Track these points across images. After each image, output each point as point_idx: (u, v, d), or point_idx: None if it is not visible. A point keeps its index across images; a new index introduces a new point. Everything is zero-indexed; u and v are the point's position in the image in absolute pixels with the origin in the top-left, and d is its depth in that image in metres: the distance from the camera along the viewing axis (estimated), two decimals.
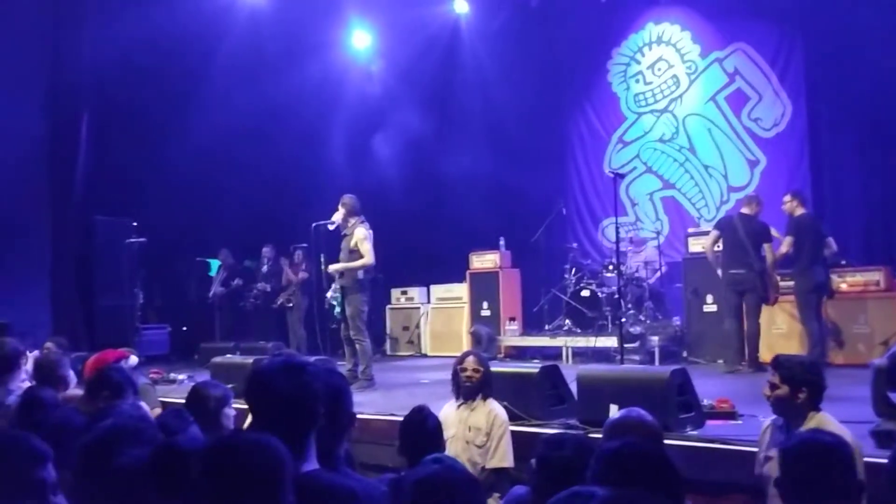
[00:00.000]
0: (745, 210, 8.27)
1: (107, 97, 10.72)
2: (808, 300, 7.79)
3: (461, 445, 4.57)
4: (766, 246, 7.95)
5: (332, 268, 7.87)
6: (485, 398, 4.72)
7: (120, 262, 10.48)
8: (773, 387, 3.54)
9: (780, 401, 3.52)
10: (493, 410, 4.68)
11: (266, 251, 11.38)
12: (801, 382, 3.52)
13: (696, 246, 9.71)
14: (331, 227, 7.99)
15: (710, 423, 5.16)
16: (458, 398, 4.76)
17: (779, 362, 3.64)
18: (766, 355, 8.61)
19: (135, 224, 10.66)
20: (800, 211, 7.93)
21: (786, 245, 7.89)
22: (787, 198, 8.02)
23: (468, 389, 4.69)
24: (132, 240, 10.36)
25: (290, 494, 1.81)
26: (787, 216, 7.93)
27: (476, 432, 4.60)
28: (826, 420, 3.53)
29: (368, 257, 7.72)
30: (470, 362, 4.76)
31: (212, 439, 2.19)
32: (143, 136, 10.92)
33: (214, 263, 12.16)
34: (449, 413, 4.72)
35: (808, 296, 7.79)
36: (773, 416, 3.76)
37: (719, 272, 8.12)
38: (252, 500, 1.75)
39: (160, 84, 10.72)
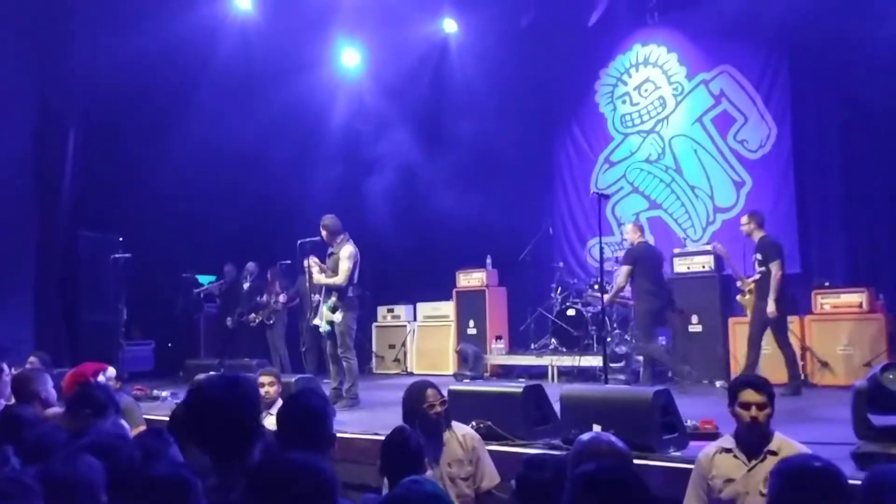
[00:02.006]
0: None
1: (94, 114, 10.70)
2: (643, 322, 8.63)
3: (443, 485, 4.15)
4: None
5: (316, 279, 7.84)
6: (449, 426, 4.36)
7: (105, 277, 10.42)
8: (763, 406, 3.57)
9: (768, 418, 3.59)
10: (464, 434, 4.38)
11: (250, 267, 11.37)
12: (772, 398, 3.64)
13: (682, 266, 9.78)
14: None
15: (693, 443, 5.16)
16: (429, 440, 4.16)
17: (764, 382, 3.71)
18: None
19: (120, 239, 10.62)
20: (639, 240, 8.84)
21: (623, 275, 8.66)
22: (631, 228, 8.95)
23: (437, 425, 4.25)
24: (117, 255, 10.31)
25: None
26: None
27: (458, 466, 4.25)
28: (786, 439, 3.63)
29: (341, 277, 7.69)
30: (432, 395, 4.29)
31: (261, 460, 2.18)
32: (130, 152, 10.90)
33: (205, 280, 12.13)
34: None
35: (643, 317, 8.63)
36: (721, 439, 3.82)
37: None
38: None
39: (148, 101, 10.71)
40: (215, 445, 2.15)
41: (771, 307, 7.80)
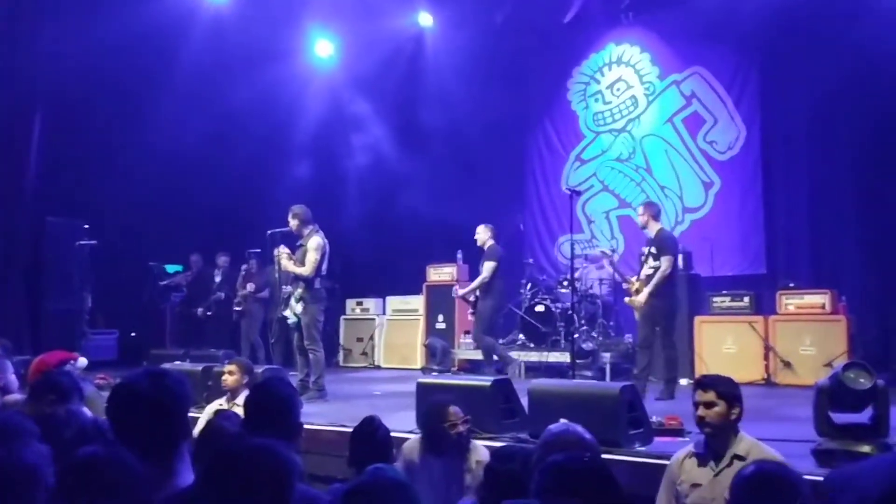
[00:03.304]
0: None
1: (62, 97, 10.51)
2: (487, 317, 8.94)
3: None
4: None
5: (284, 265, 7.78)
6: (470, 447, 4.11)
7: (70, 264, 10.26)
8: (710, 405, 3.56)
9: (718, 417, 3.55)
10: (478, 461, 3.99)
11: (221, 260, 11.25)
12: (734, 399, 3.60)
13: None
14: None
15: (658, 439, 5.22)
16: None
17: (712, 380, 3.69)
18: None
19: (86, 226, 10.46)
20: (492, 242, 9.08)
21: (488, 271, 8.84)
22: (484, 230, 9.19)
23: (459, 444, 4.05)
24: (83, 242, 10.15)
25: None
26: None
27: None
28: (755, 441, 3.60)
29: (308, 268, 7.65)
30: (454, 414, 4.08)
31: (216, 448, 2.12)
32: (98, 137, 10.74)
33: (171, 269, 11.99)
34: (415, 455, 4.17)
35: (488, 312, 8.92)
36: (690, 446, 3.78)
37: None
38: None
39: (117, 87, 10.55)
40: (137, 442, 2.05)
41: (642, 297, 7.43)
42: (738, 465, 3.37)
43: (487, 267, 8.87)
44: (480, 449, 4.20)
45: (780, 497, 2.27)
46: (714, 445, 3.58)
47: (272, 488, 1.68)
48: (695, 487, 3.58)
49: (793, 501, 2.24)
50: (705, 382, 3.66)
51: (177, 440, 2.10)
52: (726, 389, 3.60)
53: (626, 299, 7.92)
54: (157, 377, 2.13)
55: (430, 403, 4.27)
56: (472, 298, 9.20)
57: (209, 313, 11.03)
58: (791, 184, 10.27)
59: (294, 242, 8.01)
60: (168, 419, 2.08)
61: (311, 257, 7.66)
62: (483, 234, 9.13)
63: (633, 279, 7.77)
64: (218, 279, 11.22)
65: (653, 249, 7.58)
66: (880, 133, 9.19)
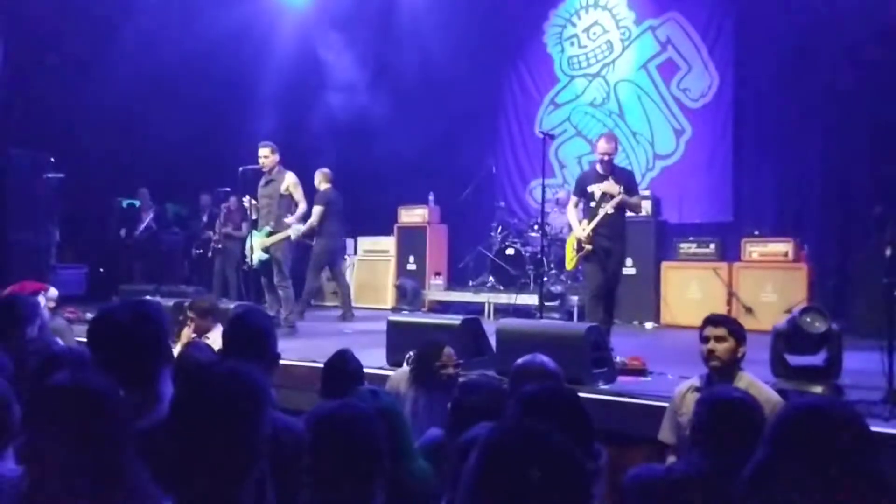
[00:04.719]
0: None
1: (25, 26, 10.22)
2: (319, 261, 9.43)
3: None
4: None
5: (299, 228, 7.97)
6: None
7: (36, 197, 10.12)
8: (721, 339, 3.70)
9: (727, 352, 3.69)
10: None
11: (204, 199, 11.23)
12: (742, 339, 3.76)
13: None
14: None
15: (621, 378, 5.40)
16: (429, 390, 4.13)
17: (724, 318, 3.90)
18: (681, 319, 9.01)
19: (52, 160, 10.28)
20: (326, 186, 9.40)
21: (316, 215, 9.02)
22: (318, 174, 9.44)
23: (447, 386, 4.06)
24: (50, 175, 10.00)
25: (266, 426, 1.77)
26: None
27: None
28: (754, 379, 3.75)
29: (304, 205, 7.83)
30: (447, 356, 4.17)
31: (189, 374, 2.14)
32: (65, 68, 10.51)
33: (134, 203, 11.88)
34: (402, 388, 4.22)
35: (319, 257, 9.39)
36: (693, 378, 3.93)
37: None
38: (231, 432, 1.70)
39: (83, 15, 10.29)
40: (119, 370, 2.07)
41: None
42: None
43: (315, 211, 9.06)
44: None
45: (736, 422, 2.40)
46: (716, 380, 3.72)
47: (245, 409, 1.70)
48: None
49: (747, 428, 2.37)
50: (717, 320, 3.84)
51: (159, 366, 2.13)
52: (736, 328, 3.79)
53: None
54: (136, 305, 2.16)
55: (425, 341, 4.36)
56: (311, 242, 9.50)
57: (199, 251, 11.12)
58: (760, 133, 10.37)
59: (259, 178, 8.06)
60: (149, 345, 2.11)
61: (300, 192, 7.94)
62: (317, 178, 9.48)
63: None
64: (205, 219, 11.26)
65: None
66: (849, 86, 9.27)
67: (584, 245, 6.62)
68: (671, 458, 3.76)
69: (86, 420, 1.76)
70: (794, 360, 4.61)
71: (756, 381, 3.74)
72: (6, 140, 10.42)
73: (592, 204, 6.72)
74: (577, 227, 6.77)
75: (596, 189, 6.69)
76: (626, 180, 6.79)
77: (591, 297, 6.67)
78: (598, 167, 6.85)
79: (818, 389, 4.32)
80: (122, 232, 11.42)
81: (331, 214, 9.30)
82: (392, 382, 4.37)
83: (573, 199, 7.06)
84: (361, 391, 2.04)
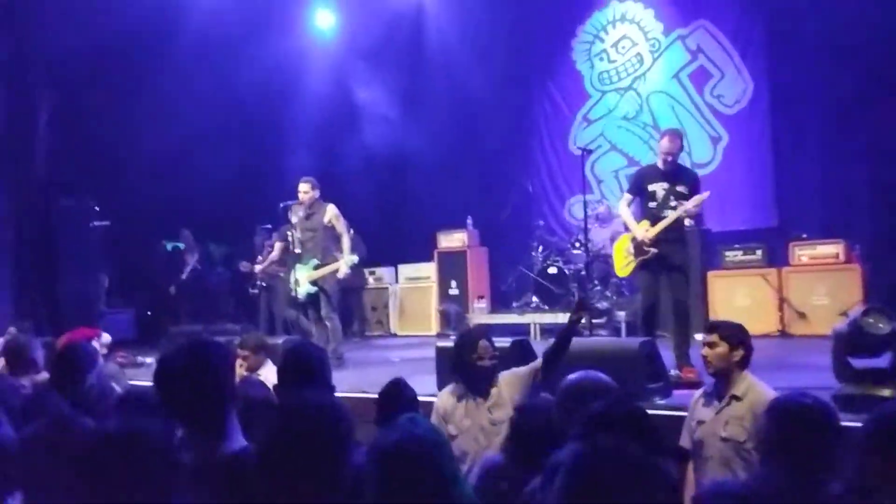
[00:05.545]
0: None
1: (70, 76, 10.47)
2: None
3: (482, 443, 3.99)
4: None
5: (353, 258, 7.96)
6: (495, 383, 4.14)
7: (84, 245, 10.32)
8: (712, 345, 3.74)
9: (718, 358, 3.71)
10: (507, 381, 4.17)
11: (257, 240, 11.33)
12: (737, 342, 3.75)
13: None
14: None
15: (676, 392, 5.30)
16: (472, 392, 4.12)
17: (715, 324, 3.93)
18: None
19: (97, 208, 10.50)
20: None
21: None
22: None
23: (482, 378, 4.12)
24: (96, 223, 10.19)
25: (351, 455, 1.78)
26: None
27: (500, 409, 4.02)
28: (755, 381, 3.74)
29: (348, 238, 7.91)
30: (484, 348, 4.13)
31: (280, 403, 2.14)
32: (106, 116, 10.70)
33: (178, 246, 12.04)
34: (449, 404, 4.20)
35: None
36: (703, 387, 3.98)
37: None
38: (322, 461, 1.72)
39: (124, 63, 10.53)
40: (189, 411, 2.09)
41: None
42: (735, 404, 3.64)
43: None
44: (506, 374, 4.21)
45: (812, 430, 2.32)
46: (718, 386, 3.78)
47: (340, 439, 1.73)
48: (700, 424, 3.78)
49: (825, 435, 2.30)
50: (709, 326, 3.95)
51: (224, 404, 2.12)
52: (728, 332, 3.77)
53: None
54: (198, 346, 2.17)
55: (462, 333, 4.42)
56: None
57: (255, 291, 11.05)
58: (800, 135, 10.21)
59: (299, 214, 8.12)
60: (214, 385, 2.11)
61: (342, 224, 7.97)
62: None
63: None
64: (260, 258, 11.30)
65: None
66: (889, 79, 9.10)
67: (645, 248, 6.13)
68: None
69: (136, 464, 1.79)
70: (858, 363, 4.47)
71: (755, 386, 3.71)
72: (55, 189, 10.66)
73: (652, 204, 6.19)
74: (636, 227, 6.22)
75: (658, 188, 6.19)
76: (692, 184, 6.30)
77: (646, 309, 6.24)
78: (660, 164, 6.37)
79: (886, 392, 4.18)
80: (172, 289, 11.39)
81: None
82: (439, 402, 4.32)
83: (626, 196, 6.55)
84: (401, 421, 2.00)
